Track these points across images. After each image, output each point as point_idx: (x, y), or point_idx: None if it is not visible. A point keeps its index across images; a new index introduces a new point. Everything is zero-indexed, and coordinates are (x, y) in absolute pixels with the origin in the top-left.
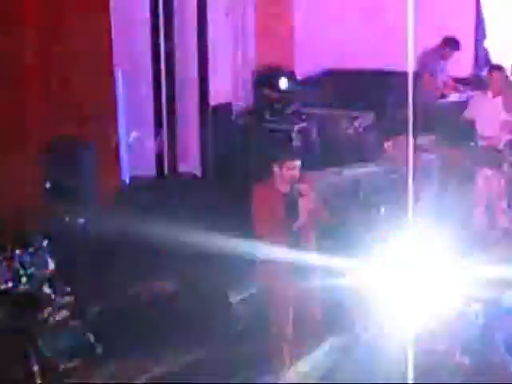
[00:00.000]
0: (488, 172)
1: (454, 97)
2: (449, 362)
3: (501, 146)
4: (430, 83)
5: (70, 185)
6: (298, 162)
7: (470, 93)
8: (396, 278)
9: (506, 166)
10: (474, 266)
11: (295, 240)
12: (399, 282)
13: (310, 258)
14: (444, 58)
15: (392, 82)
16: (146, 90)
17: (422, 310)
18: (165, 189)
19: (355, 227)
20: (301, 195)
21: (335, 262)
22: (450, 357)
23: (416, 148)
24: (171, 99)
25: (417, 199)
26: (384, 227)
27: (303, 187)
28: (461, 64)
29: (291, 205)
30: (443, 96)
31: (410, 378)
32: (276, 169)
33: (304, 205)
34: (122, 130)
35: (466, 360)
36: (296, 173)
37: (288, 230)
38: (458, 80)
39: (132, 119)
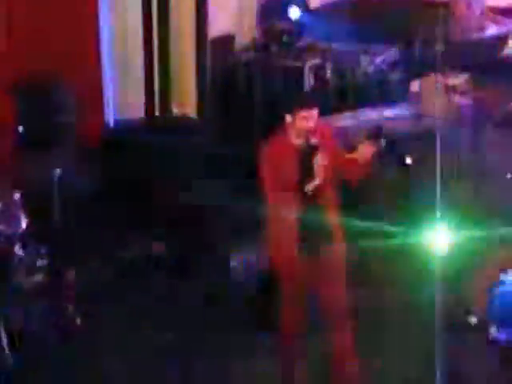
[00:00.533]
0: None
1: (492, 29)
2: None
3: None
4: (463, 13)
5: (45, 129)
6: (314, 111)
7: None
8: (425, 244)
9: None
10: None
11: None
12: (428, 248)
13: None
14: None
15: (420, 11)
16: (134, 17)
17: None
18: (155, 133)
19: (375, 182)
20: (316, 150)
21: (352, 223)
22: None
23: (448, 89)
24: (164, 26)
25: (449, 149)
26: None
27: (320, 140)
28: None
29: (305, 162)
30: (480, 29)
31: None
32: (288, 118)
33: (319, 162)
34: (105, 63)
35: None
36: (312, 124)
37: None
38: (496, 9)
39: (117, 52)
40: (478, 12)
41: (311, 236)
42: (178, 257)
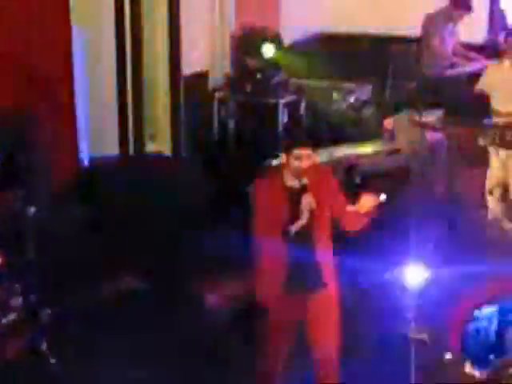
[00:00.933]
0: (504, 154)
1: (465, 66)
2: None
3: None
4: (436, 51)
5: (18, 166)
6: (309, 151)
7: (484, 62)
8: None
9: None
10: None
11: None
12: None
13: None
14: (453, 20)
15: (393, 49)
16: (108, 53)
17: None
18: (130, 171)
19: None
20: (305, 190)
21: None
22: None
23: (421, 126)
24: (138, 66)
25: (423, 185)
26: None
27: (312, 181)
28: (473, 28)
29: (298, 203)
30: (452, 66)
31: None
32: (283, 157)
33: (305, 202)
34: (79, 101)
35: (477, 372)
36: (306, 164)
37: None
38: (469, 47)
39: (92, 89)
40: (450, 48)
41: (299, 275)
42: (152, 292)
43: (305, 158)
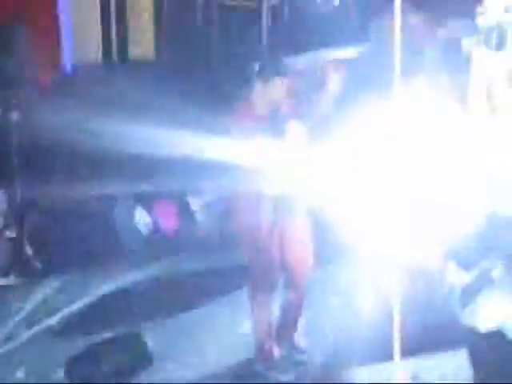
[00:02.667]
0: (488, 56)
1: None
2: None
3: (504, 26)
4: None
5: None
6: (286, 80)
7: None
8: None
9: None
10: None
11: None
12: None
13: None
14: None
15: None
16: None
17: (413, 214)
18: (113, 77)
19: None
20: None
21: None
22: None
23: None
24: None
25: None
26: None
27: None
28: None
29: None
30: None
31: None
32: (258, 84)
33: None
34: (62, 7)
35: (462, 274)
36: (282, 93)
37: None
38: None
39: None
40: None
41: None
42: None
43: (283, 87)
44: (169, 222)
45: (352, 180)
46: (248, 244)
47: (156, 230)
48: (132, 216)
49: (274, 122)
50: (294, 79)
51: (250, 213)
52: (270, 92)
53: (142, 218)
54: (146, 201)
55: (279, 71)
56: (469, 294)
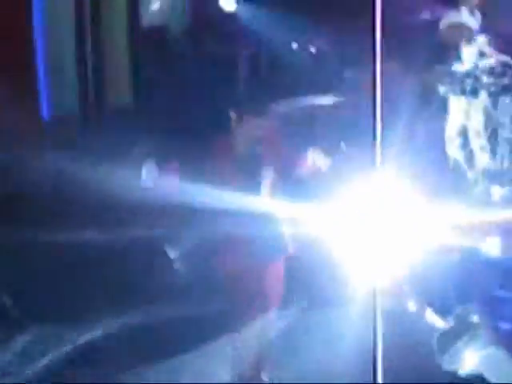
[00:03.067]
0: (464, 102)
1: (425, 15)
2: (420, 322)
3: (478, 73)
4: None
5: None
6: (265, 119)
7: (443, 9)
8: (361, 227)
9: (484, 95)
10: (449, 211)
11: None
12: (365, 230)
13: (263, 204)
14: None
15: None
16: (67, 7)
17: (391, 261)
18: (90, 123)
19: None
20: (261, 161)
21: (286, 207)
22: (421, 317)
23: (383, 74)
24: (97, 20)
25: (385, 134)
26: (344, 167)
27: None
28: None
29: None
30: (411, 13)
31: (378, 343)
32: (234, 122)
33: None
34: (39, 54)
35: (440, 321)
36: (260, 132)
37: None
38: None
39: (50, 43)
40: None
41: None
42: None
43: (260, 126)
44: None
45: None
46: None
47: None
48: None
49: (246, 163)
50: (272, 123)
51: (230, 257)
52: (244, 132)
53: None
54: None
55: (255, 112)
56: (447, 340)
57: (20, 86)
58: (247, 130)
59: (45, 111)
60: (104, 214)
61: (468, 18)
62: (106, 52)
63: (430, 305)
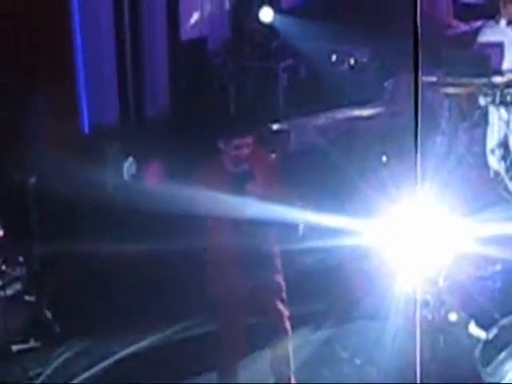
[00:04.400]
0: (505, 113)
1: (463, 27)
2: (463, 334)
3: None
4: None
5: (17, 136)
6: (248, 139)
7: (482, 21)
8: (400, 239)
9: None
10: (491, 223)
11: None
12: (403, 243)
13: (295, 215)
14: None
15: (394, 9)
16: (107, 20)
17: (429, 274)
18: (131, 137)
19: (351, 181)
20: (251, 179)
21: (328, 219)
22: (463, 328)
23: (422, 86)
24: (136, 33)
25: (424, 146)
26: (386, 180)
27: (256, 168)
28: None
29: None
30: (449, 26)
31: (417, 357)
32: (221, 145)
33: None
34: (80, 68)
35: (483, 332)
36: (246, 152)
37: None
38: (466, 5)
39: (91, 56)
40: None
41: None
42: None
43: (245, 146)
44: None
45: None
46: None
47: None
48: None
49: (237, 181)
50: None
51: (223, 276)
52: (234, 151)
53: None
54: None
55: (243, 131)
56: (490, 352)
57: (61, 100)
58: (234, 150)
59: (85, 124)
60: (143, 228)
61: (507, 29)
62: (145, 65)
63: (473, 316)
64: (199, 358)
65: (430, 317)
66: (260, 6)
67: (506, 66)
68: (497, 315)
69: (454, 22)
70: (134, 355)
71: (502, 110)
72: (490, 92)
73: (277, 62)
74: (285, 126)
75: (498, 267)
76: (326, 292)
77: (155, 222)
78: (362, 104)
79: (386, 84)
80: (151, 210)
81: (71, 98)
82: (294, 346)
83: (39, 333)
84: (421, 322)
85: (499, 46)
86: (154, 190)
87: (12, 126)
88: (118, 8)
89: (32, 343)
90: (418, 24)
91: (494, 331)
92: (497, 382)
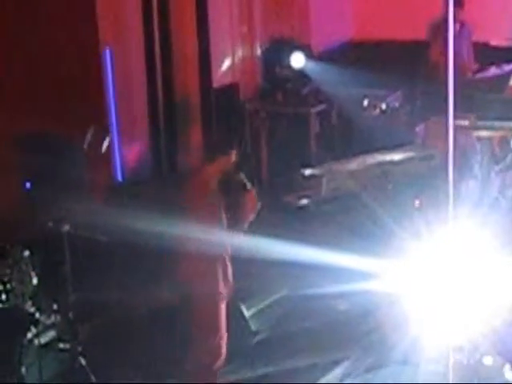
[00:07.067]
0: None
1: (494, 70)
2: (497, 378)
3: None
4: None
5: (53, 185)
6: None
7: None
8: (434, 283)
9: None
10: None
11: None
12: (437, 287)
13: (329, 259)
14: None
15: (424, 54)
16: (138, 73)
17: (465, 319)
18: (163, 189)
19: (384, 224)
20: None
21: (361, 263)
22: (498, 372)
23: (454, 130)
24: (168, 81)
25: (457, 190)
26: (419, 224)
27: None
28: (498, 28)
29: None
30: (479, 70)
31: None
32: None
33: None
34: (113, 118)
35: None
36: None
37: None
38: (496, 48)
39: (123, 110)
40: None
41: None
42: None
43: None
44: None
45: None
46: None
47: None
48: None
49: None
50: None
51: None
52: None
53: None
54: None
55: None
56: None
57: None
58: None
59: (118, 175)
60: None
61: None
62: (178, 113)
63: (508, 361)
64: None
65: (464, 361)
66: (291, 52)
67: None
68: None
69: (475, 66)
70: None
71: None
72: None
73: (309, 107)
74: (317, 171)
75: None
76: (359, 337)
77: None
78: (393, 148)
79: (417, 129)
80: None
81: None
82: None
83: (74, 381)
84: (455, 366)
85: None
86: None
87: (50, 175)
88: (150, 57)
89: None
90: (451, 67)
91: None
92: None
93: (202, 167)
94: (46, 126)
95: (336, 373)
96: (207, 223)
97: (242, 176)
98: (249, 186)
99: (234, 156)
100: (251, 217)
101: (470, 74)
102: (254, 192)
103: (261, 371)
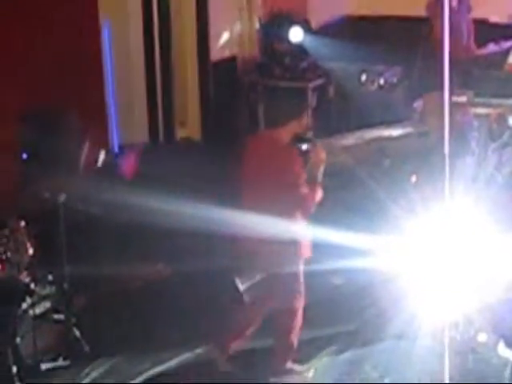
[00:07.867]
0: None
1: (492, 47)
2: (491, 356)
3: None
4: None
5: (49, 155)
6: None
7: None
8: (429, 259)
9: None
10: None
11: None
12: (433, 263)
13: (325, 235)
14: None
15: (422, 30)
16: (136, 42)
17: (460, 295)
18: (160, 158)
19: (380, 200)
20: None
21: (357, 239)
22: (492, 351)
23: (452, 106)
24: (166, 54)
25: (453, 166)
26: (415, 200)
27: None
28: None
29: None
30: (469, 49)
31: (446, 377)
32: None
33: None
34: (109, 91)
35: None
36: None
37: None
38: (494, 26)
39: (121, 78)
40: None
41: None
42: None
43: None
44: None
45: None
46: None
47: None
48: None
49: None
50: None
51: None
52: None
53: None
54: None
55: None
56: None
57: (92, 123)
58: None
59: (115, 146)
60: (171, 246)
61: None
62: (175, 86)
63: (502, 337)
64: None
65: (458, 337)
66: (290, 26)
67: None
68: None
69: (474, 46)
70: (162, 374)
71: None
72: None
73: (306, 81)
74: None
75: None
76: (355, 312)
77: (185, 241)
78: (391, 124)
79: (415, 104)
80: (181, 229)
81: (101, 120)
82: (323, 366)
83: (68, 351)
84: (449, 342)
85: None
86: (182, 210)
87: (47, 148)
88: (148, 31)
89: (61, 362)
90: (447, 44)
91: None
92: None
93: (274, 130)
94: (44, 100)
95: (333, 348)
96: (289, 172)
97: (310, 134)
98: (316, 141)
99: (304, 120)
100: (322, 168)
101: (470, 51)
102: (320, 146)
103: (258, 345)
